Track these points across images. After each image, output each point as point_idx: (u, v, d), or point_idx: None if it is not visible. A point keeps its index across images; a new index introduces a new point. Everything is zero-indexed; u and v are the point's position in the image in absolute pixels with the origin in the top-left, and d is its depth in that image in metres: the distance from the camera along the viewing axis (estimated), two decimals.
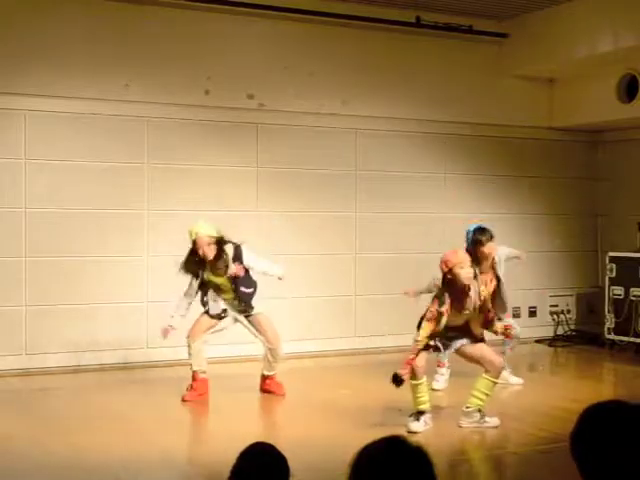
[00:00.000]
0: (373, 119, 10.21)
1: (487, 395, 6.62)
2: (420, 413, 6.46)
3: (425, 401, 6.50)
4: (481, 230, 7.82)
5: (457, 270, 6.49)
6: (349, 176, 10.18)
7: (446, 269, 6.54)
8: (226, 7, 9.23)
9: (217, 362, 9.10)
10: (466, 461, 6.17)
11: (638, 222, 10.66)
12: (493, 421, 6.62)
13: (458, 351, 6.75)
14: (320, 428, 6.59)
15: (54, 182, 8.78)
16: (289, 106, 9.76)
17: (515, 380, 8.30)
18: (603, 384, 9.29)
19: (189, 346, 7.62)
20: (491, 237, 7.77)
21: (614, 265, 10.35)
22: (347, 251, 10.13)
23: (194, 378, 7.56)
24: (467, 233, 7.82)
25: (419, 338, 6.48)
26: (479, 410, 6.63)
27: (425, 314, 6.54)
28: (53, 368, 8.64)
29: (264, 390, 7.75)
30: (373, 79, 10.14)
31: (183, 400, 7.43)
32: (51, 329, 8.74)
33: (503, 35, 10.59)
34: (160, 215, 9.22)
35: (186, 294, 7.67)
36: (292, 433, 6.38)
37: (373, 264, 10.23)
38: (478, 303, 6.56)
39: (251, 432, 6.70)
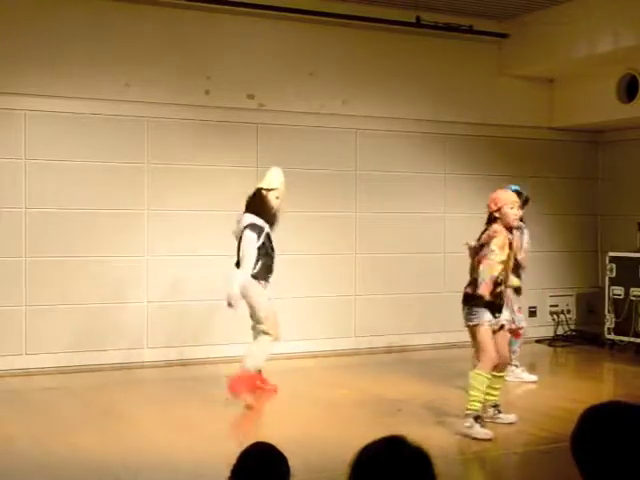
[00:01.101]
0: (373, 119, 10.21)
1: (495, 389, 6.56)
2: (479, 417, 6.31)
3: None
4: (517, 193, 7.68)
5: (506, 210, 6.32)
6: (349, 176, 10.18)
7: (495, 208, 6.34)
8: (226, 7, 9.24)
9: (217, 362, 9.11)
10: (466, 461, 6.17)
11: (638, 222, 10.67)
12: (508, 418, 6.61)
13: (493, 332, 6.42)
14: (320, 428, 6.59)
15: (54, 182, 8.78)
16: (289, 106, 9.76)
17: (528, 377, 8.31)
18: (603, 384, 9.29)
19: (272, 342, 7.33)
20: (523, 203, 7.53)
21: (614, 265, 10.36)
22: (347, 251, 10.13)
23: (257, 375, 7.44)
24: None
25: (495, 274, 6.17)
26: (494, 405, 6.62)
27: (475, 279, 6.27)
28: (53, 368, 8.64)
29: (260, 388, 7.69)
30: (373, 79, 10.14)
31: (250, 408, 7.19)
32: (51, 329, 8.74)
33: (503, 35, 10.59)
34: (160, 215, 9.22)
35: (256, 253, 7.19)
36: (292, 433, 6.37)
37: (373, 264, 10.23)
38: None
39: (251, 432, 6.71)
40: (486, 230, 6.44)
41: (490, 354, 6.29)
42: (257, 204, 7.38)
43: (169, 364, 9.05)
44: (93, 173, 8.95)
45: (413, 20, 9.92)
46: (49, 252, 8.75)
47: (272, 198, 7.39)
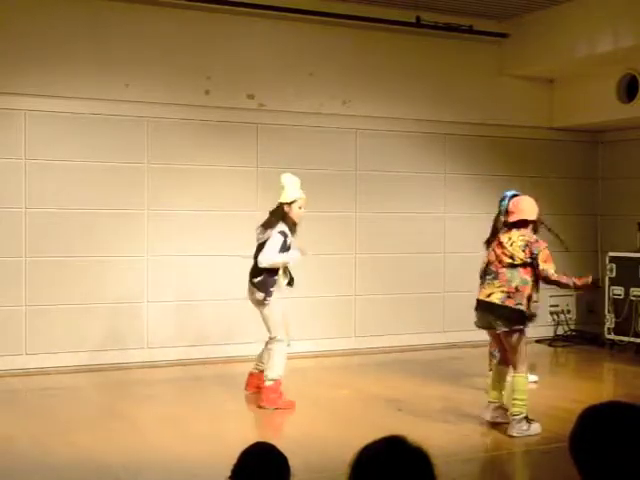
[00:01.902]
0: (373, 119, 10.21)
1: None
2: (527, 417, 6.40)
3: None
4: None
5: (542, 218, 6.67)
6: (349, 176, 10.18)
7: (536, 217, 6.65)
8: (226, 7, 9.24)
9: (217, 362, 9.12)
10: (466, 461, 6.16)
11: (638, 222, 10.67)
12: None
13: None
14: (320, 428, 6.59)
15: (54, 182, 8.78)
16: (289, 106, 9.76)
17: (529, 377, 8.20)
18: (603, 384, 9.29)
19: (285, 346, 7.24)
20: None
21: (614, 265, 10.36)
22: (347, 251, 10.13)
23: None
24: (502, 199, 7.20)
25: (555, 274, 6.41)
26: (500, 406, 6.69)
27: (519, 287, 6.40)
28: (53, 368, 8.64)
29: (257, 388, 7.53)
30: (373, 79, 10.14)
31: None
32: (51, 329, 8.74)
33: (503, 35, 10.59)
34: (160, 215, 9.22)
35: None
36: (292, 433, 6.38)
37: (373, 264, 10.23)
38: None
39: (252, 432, 6.70)
40: (509, 231, 6.59)
41: (525, 356, 6.48)
42: (278, 219, 7.23)
43: (169, 364, 9.05)
44: (93, 173, 8.95)
45: (413, 20, 9.92)
46: (49, 252, 8.75)
47: (295, 209, 7.25)
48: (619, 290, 10.24)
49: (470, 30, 10.31)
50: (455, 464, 5.87)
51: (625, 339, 10.13)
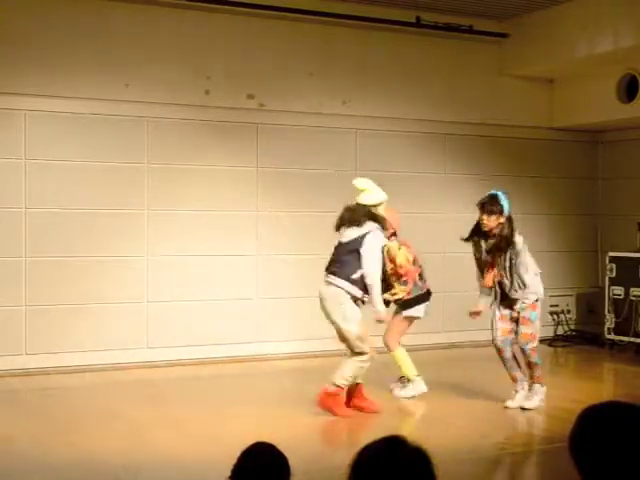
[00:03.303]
0: (373, 119, 10.21)
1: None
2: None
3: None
4: (485, 198, 7.49)
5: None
6: (349, 176, 10.16)
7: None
8: (226, 7, 9.24)
9: (217, 362, 9.12)
10: (466, 461, 6.16)
11: (638, 222, 10.67)
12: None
13: None
14: (320, 428, 6.59)
15: (54, 182, 8.78)
16: (289, 106, 9.76)
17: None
18: (603, 384, 9.29)
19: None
20: (486, 210, 7.38)
21: (614, 265, 10.36)
22: None
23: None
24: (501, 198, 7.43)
25: None
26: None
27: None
28: (53, 368, 8.64)
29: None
30: (373, 79, 10.14)
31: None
32: (51, 329, 8.74)
33: (503, 35, 10.60)
34: (160, 215, 9.22)
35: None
36: (292, 433, 6.37)
37: None
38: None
39: (251, 432, 6.70)
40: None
41: None
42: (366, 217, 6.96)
43: (169, 364, 9.05)
44: (93, 173, 8.95)
45: (413, 20, 9.92)
46: (49, 252, 8.75)
47: (381, 211, 7.07)
48: (619, 290, 10.24)
49: (470, 30, 10.31)
50: (455, 464, 5.87)
51: (625, 339, 10.13)
